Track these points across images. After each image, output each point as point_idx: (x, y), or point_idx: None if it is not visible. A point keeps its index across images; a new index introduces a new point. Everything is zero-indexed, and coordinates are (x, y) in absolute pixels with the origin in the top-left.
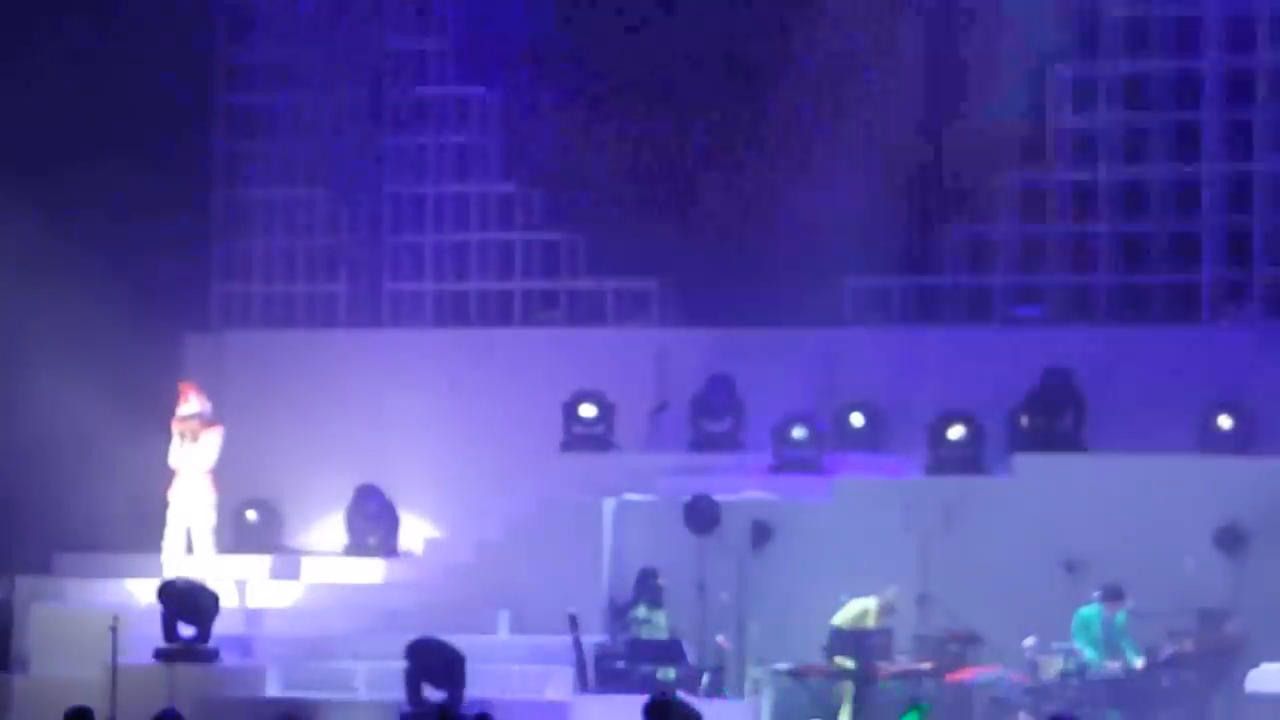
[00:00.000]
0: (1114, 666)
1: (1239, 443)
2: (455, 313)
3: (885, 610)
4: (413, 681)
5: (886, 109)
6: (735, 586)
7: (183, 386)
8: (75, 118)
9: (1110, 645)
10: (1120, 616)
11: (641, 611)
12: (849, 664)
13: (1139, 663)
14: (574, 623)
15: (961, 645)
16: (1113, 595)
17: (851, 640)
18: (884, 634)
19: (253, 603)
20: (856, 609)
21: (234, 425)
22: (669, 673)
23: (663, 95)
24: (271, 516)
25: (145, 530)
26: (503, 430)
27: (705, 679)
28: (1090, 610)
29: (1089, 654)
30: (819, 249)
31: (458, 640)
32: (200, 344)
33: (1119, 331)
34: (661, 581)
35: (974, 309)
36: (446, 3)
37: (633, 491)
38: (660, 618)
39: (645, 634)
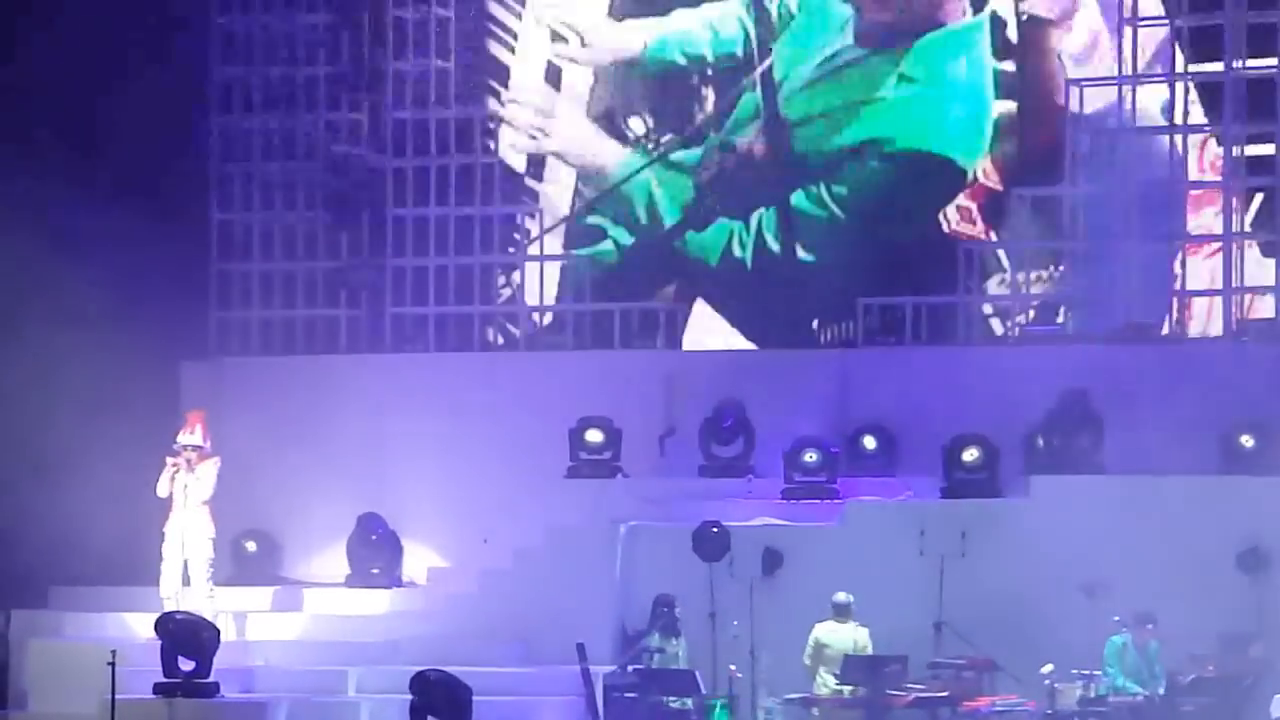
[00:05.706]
0: (1142, 693)
1: (1262, 463)
2: (458, 336)
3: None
4: (418, 715)
5: None
6: (747, 614)
7: (190, 416)
8: (68, 141)
9: (1146, 672)
10: (1154, 644)
11: (655, 641)
12: (862, 693)
13: (1160, 689)
14: (582, 652)
15: (978, 673)
16: (1144, 619)
17: (865, 668)
18: (899, 661)
19: (254, 635)
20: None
21: (233, 454)
22: (685, 702)
23: None
24: (271, 547)
25: (143, 563)
26: (508, 457)
27: (718, 708)
28: (1122, 638)
29: (1119, 681)
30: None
31: (464, 672)
32: (198, 371)
33: (1136, 349)
34: (677, 610)
35: (987, 327)
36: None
37: (641, 519)
38: (676, 646)
39: (659, 664)
